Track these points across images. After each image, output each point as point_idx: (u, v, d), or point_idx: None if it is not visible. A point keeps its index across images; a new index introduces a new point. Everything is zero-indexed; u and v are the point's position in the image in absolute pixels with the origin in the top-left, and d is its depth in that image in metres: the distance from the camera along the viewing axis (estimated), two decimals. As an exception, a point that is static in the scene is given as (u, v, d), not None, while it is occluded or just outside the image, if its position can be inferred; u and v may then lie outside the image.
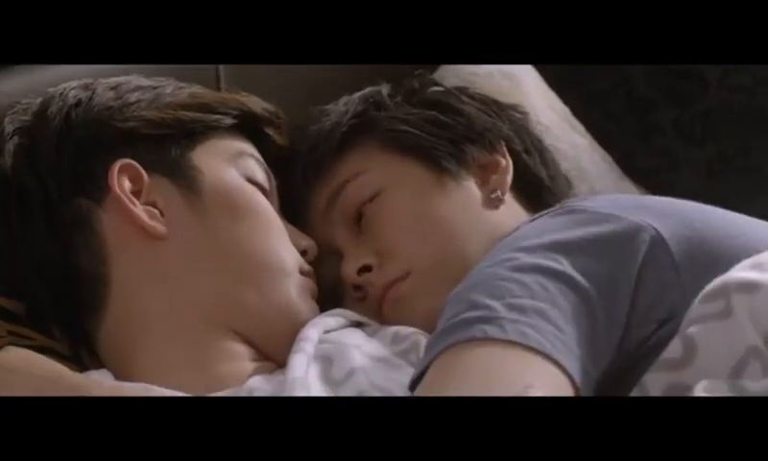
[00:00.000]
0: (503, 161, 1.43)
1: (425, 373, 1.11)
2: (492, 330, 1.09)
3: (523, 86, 1.79)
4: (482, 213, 1.39)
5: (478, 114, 1.45)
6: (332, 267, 1.40)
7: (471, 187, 1.41)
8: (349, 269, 1.38)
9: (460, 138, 1.42)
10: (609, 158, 1.86)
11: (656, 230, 1.18)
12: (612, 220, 1.20)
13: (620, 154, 1.91)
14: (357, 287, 1.38)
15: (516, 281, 1.14)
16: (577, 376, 1.09)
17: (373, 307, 1.38)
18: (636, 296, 1.15)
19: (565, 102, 1.87)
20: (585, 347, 1.11)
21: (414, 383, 1.14)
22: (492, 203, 1.40)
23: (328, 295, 1.40)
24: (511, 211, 1.40)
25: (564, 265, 1.15)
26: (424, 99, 1.46)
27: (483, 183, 1.41)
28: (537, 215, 1.32)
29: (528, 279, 1.14)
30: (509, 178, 1.42)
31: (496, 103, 1.49)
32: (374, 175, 1.40)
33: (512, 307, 1.11)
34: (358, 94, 1.47)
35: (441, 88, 1.48)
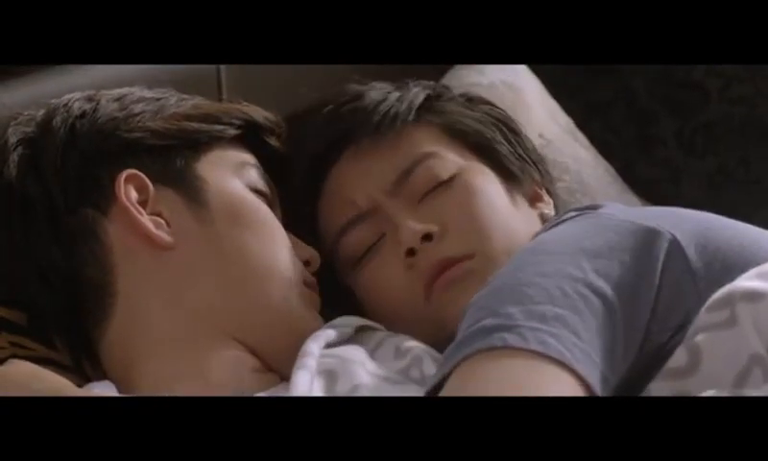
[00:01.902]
0: (546, 197, 1.45)
1: (445, 380, 1.10)
2: (512, 339, 1.08)
3: (526, 98, 1.79)
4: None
5: (534, 147, 1.47)
6: (360, 234, 1.39)
7: (527, 204, 1.42)
8: (413, 231, 1.35)
9: (524, 155, 1.44)
10: (612, 171, 1.86)
11: (673, 236, 1.18)
12: (632, 226, 1.20)
13: (621, 165, 1.91)
14: (411, 252, 1.36)
15: (536, 286, 1.13)
16: (596, 385, 1.08)
17: (421, 278, 1.35)
18: (656, 302, 1.15)
19: (566, 112, 1.87)
20: (604, 354, 1.10)
21: (434, 391, 1.12)
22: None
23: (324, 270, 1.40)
24: None
25: (585, 271, 1.15)
26: (488, 111, 1.47)
27: (531, 206, 1.43)
28: (555, 220, 1.32)
29: (549, 284, 1.13)
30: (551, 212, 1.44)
31: (539, 156, 1.50)
32: (450, 159, 1.40)
33: (531, 315, 1.10)
34: (418, 82, 1.47)
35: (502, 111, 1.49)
